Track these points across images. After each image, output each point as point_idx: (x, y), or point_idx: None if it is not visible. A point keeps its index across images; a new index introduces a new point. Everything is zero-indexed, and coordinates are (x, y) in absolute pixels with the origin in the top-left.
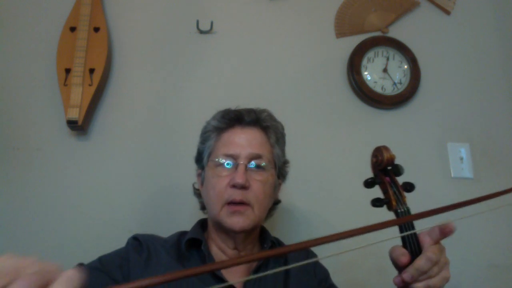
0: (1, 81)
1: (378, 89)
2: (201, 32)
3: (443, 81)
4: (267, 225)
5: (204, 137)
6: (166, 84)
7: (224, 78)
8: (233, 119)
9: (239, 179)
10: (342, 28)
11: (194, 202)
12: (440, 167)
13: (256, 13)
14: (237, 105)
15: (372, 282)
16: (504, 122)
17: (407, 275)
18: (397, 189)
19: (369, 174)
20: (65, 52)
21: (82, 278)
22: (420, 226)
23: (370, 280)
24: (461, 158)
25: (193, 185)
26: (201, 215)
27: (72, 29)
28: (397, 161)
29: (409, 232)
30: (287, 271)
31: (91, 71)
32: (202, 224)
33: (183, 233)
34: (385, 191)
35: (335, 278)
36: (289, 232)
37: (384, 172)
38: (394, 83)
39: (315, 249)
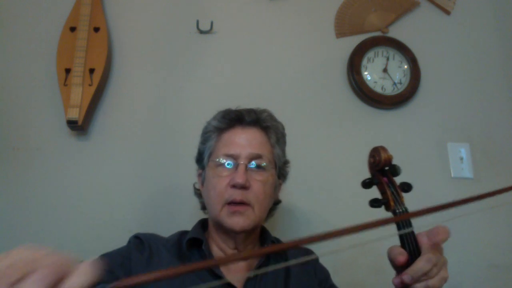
0: (1, 81)
1: (378, 89)
2: (201, 32)
3: (443, 81)
4: (268, 225)
5: (205, 137)
6: (166, 84)
7: (224, 78)
8: (233, 119)
9: (239, 179)
10: (342, 28)
11: (194, 202)
12: (440, 167)
13: (256, 13)
14: (238, 105)
15: (371, 282)
16: (504, 122)
17: (406, 276)
18: (394, 190)
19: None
20: (65, 52)
21: (99, 270)
22: (419, 224)
23: (369, 280)
24: (461, 158)
25: (193, 185)
26: (200, 215)
27: (72, 29)
28: (397, 161)
29: (406, 231)
30: (287, 272)
31: (91, 71)
32: (203, 224)
33: (184, 233)
34: (382, 192)
35: (334, 278)
36: (290, 232)
37: (382, 172)
38: (394, 83)
39: (313, 247)
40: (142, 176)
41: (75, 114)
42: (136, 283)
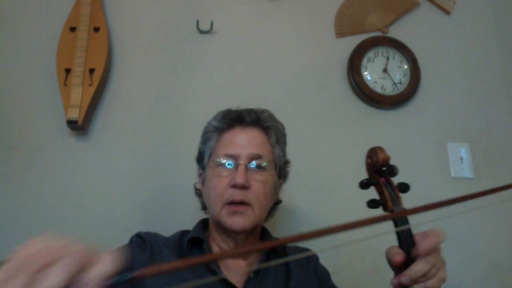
0: (1, 81)
1: (378, 89)
2: (201, 32)
3: (443, 81)
4: (268, 225)
5: (205, 137)
6: (166, 84)
7: (224, 78)
8: (233, 119)
9: (239, 179)
10: (342, 28)
11: (193, 202)
12: (440, 167)
13: (256, 13)
14: (238, 105)
15: (370, 283)
16: (504, 122)
17: (405, 278)
18: (392, 190)
19: None
20: (65, 52)
21: (122, 259)
22: (417, 222)
23: (368, 281)
24: (461, 158)
25: (194, 185)
26: (200, 215)
27: (72, 29)
28: (397, 161)
29: (403, 227)
30: (288, 272)
31: (91, 71)
32: (204, 224)
33: (185, 232)
34: (380, 192)
35: (333, 279)
36: (290, 232)
37: (379, 173)
38: (394, 83)
39: (311, 244)
40: (142, 176)
41: (75, 114)
42: (155, 272)
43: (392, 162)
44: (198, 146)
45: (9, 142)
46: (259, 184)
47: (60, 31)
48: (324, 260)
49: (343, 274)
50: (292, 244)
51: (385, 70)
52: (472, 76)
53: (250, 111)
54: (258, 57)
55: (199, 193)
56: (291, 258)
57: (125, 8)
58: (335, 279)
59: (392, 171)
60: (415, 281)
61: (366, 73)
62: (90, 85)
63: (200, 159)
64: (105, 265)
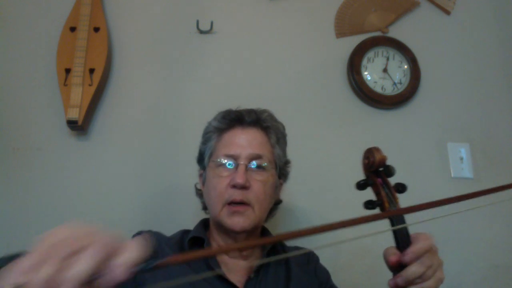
0: (1, 81)
1: (378, 89)
2: (201, 32)
3: (443, 81)
4: (269, 225)
5: (206, 137)
6: (166, 84)
7: (224, 78)
8: (233, 119)
9: (239, 179)
10: (342, 28)
11: (193, 202)
12: (440, 167)
13: (256, 13)
14: (238, 105)
15: (369, 283)
16: (504, 122)
17: (400, 279)
18: (389, 191)
19: None
20: (65, 52)
21: (147, 248)
22: (414, 221)
23: (367, 282)
24: (461, 158)
25: (195, 185)
26: (201, 215)
27: (72, 29)
28: (397, 161)
29: (400, 226)
30: (288, 273)
31: (91, 71)
32: (205, 224)
33: (186, 232)
34: (377, 193)
35: (333, 279)
36: None
37: (376, 173)
38: (394, 83)
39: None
40: (142, 176)
41: (75, 114)
42: (179, 260)
43: (392, 162)
44: (198, 146)
45: (9, 142)
46: (259, 184)
47: (60, 31)
48: (323, 261)
49: (343, 274)
50: (292, 245)
51: (385, 70)
52: (472, 76)
53: (250, 111)
54: (258, 57)
55: (200, 193)
56: (291, 254)
57: (125, 8)
58: (334, 279)
59: (389, 171)
60: (411, 282)
61: (366, 73)
62: (90, 85)
63: (200, 160)
64: (132, 252)
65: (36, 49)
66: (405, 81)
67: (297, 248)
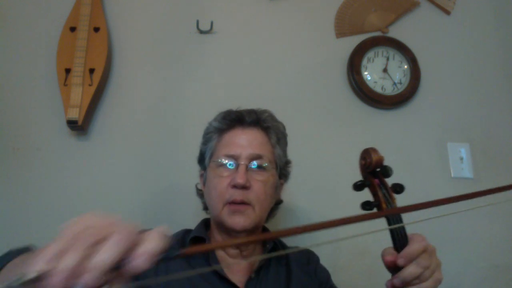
0: (1, 81)
1: (378, 89)
2: (201, 32)
3: (443, 81)
4: (269, 225)
5: (206, 138)
6: (166, 84)
7: (224, 78)
8: (234, 120)
9: (240, 179)
10: (342, 28)
11: (194, 202)
12: (440, 167)
13: (256, 13)
14: (238, 106)
15: (369, 284)
16: (504, 122)
17: (397, 280)
18: (386, 191)
19: None
20: (65, 52)
21: (167, 238)
22: (411, 221)
23: (367, 281)
24: (461, 158)
25: (196, 185)
26: (201, 215)
27: (72, 29)
28: (397, 161)
29: (397, 225)
30: (288, 273)
31: (91, 71)
32: (206, 223)
33: (188, 231)
34: (374, 194)
35: (332, 279)
36: None
37: (373, 174)
38: (394, 83)
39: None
40: (142, 176)
41: (75, 114)
42: (202, 250)
43: (392, 162)
44: (198, 147)
45: (9, 142)
46: (259, 184)
47: (60, 31)
48: (323, 261)
49: (343, 274)
50: (292, 245)
51: (385, 70)
52: (472, 76)
53: (251, 112)
54: (258, 57)
55: (200, 193)
56: (290, 250)
57: (125, 8)
58: (334, 279)
59: (386, 172)
60: (408, 283)
61: (366, 73)
62: (90, 85)
63: (201, 160)
64: (155, 241)
65: (36, 49)
66: (405, 81)
67: (297, 249)
